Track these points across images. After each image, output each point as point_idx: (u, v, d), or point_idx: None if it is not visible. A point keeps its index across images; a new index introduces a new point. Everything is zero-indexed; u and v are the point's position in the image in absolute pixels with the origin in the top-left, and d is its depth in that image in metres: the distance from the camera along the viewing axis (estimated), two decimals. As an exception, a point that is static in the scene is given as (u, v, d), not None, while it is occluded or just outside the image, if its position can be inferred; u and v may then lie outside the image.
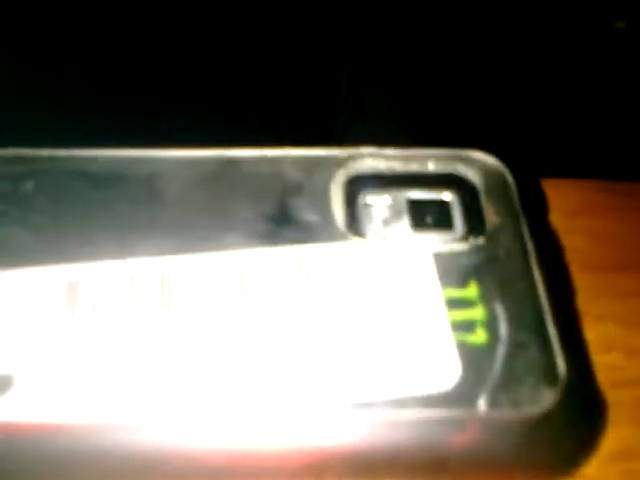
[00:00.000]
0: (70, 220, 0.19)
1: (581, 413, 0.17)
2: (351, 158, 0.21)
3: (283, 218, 0.20)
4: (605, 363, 0.21)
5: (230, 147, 0.21)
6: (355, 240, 0.19)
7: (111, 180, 0.20)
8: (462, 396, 0.17)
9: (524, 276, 0.19)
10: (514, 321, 0.18)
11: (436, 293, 0.18)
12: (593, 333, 0.21)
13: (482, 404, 0.17)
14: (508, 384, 0.17)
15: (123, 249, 0.19)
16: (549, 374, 0.17)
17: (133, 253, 0.19)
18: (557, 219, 0.24)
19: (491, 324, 0.18)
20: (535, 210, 0.20)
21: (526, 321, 0.18)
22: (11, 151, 0.20)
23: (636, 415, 0.20)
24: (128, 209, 0.20)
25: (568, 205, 0.24)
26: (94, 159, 0.20)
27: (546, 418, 0.16)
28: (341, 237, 0.19)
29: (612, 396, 0.20)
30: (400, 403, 0.17)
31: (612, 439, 0.19)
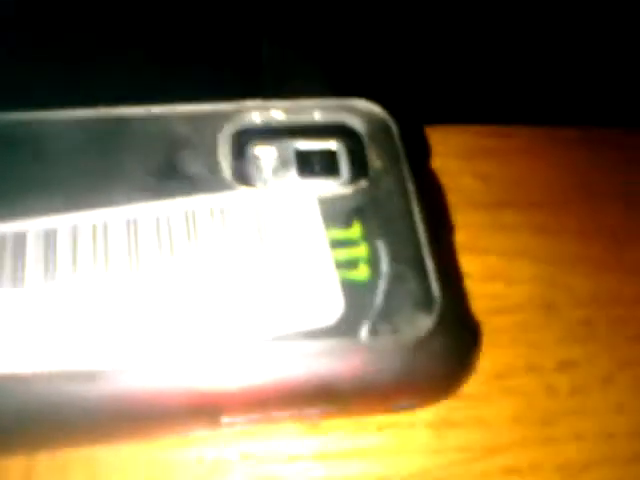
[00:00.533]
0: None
1: (456, 336, 0.18)
2: (238, 111, 0.21)
3: (171, 172, 0.20)
4: (488, 292, 0.22)
5: (117, 106, 0.21)
6: (243, 189, 0.20)
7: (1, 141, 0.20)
8: (346, 328, 0.18)
9: (405, 215, 0.20)
10: (395, 256, 0.19)
11: (320, 234, 0.19)
12: (478, 265, 0.23)
13: (364, 334, 0.18)
14: (388, 314, 0.18)
15: (8, 209, 0.19)
16: (425, 303, 0.18)
17: (18, 213, 0.19)
18: (449, 162, 0.25)
19: (373, 260, 0.19)
20: (417, 154, 0.21)
21: (405, 256, 0.19)
22: None
23: (514, 338, 0.21)
24: (14, 171, 0.20)
25: (460, 149, 0.25)
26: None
27: (423, 342, 0.18)
28: (229, 188, 0.20)
29: (493, 321, 0.21)
30: (288, 338, 0.17)
31: (492, 360, 0.21)
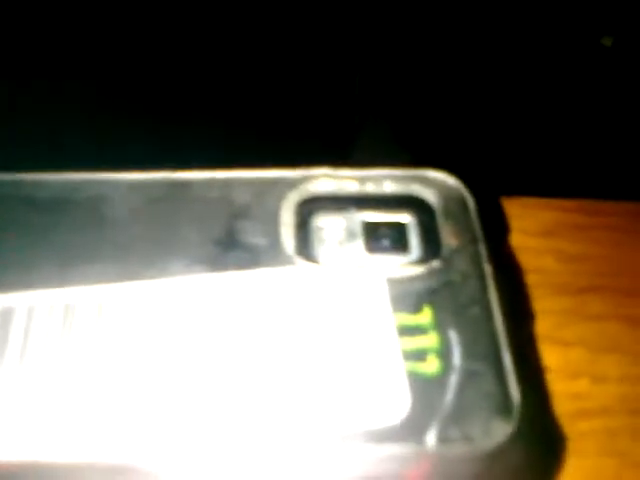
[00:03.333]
0: (10, 247, 0.19)
1: (537, 446, 0.16)
2: (304, 179, 0.20)
3: (230, 243, 0.19)
4: (570, 391, 0.20)
5: (179, 170, 0.20)
6: (304, 264, 0.19)
7: (55, 205, 0.19)
8: (411, 431, 0.16)
9: (480, 301, 0.18)
10: (468, 349, 0.17)
11: (388, 321, 0.17)
12: (559, 359, 0.20)
13: (432, 438, 0.16)
14: (460, 417, 0.16)
15: (63, 277, 0.18)
16: (503, 406, 0.16)
17: (73, 281, 0.18)
18: (526, 239, 0.23)
19: (444, 352, 0.17)
20: (495, 232, 0.20)
21: (480, 349, 0.17)
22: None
23: (602, 446, 0.19)
24: (71, 235, 0.19)
25: (538, 225, 0.24)
26: (38, 183, 0.20)
27: (499, 453, 0.16)
28: (291, 262, 0.19)
29: (577, 426, 0.19)
30: (347, 439, 0.16)
31: (577, 472, 0.18)
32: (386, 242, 0.20)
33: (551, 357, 0.20)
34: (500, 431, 0.16)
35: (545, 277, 0.22)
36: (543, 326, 0.20)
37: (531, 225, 0.23)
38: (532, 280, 0.21)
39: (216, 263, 0.18)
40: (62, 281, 0.18)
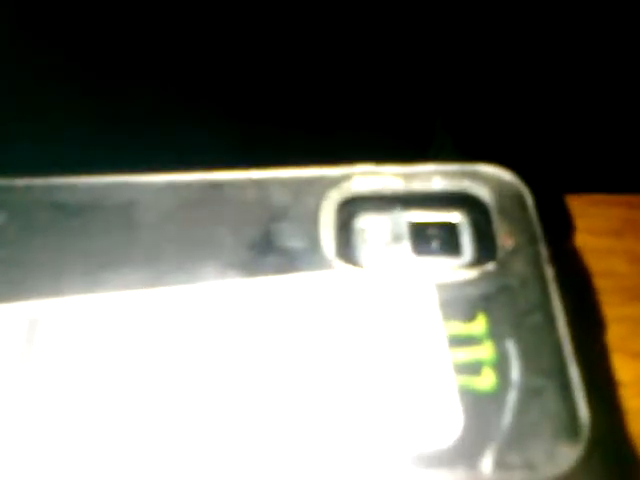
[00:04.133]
0: (42, 253, 0.18)
1: (608, 472, 0.14)
2: (345, 177, 0.19)
3: (267, 246, 0.18)
4: (646, 409, 0.18)
5: (214, 170, 0.19)
6: (346, 268, 0.17)
7: (88, 209, 0.19)
8: (465, 454, 0.14)
9: (541, 307, 0.16)
10: (528, 362, 0.15)
11: (438, 330, 0.16)
12: (633, 373, 0.18)
13: (488, 464, 0.14)
14: (519, 439, 0.14)
15: (96, 282, 0.17)
16: (569, 427, 0.14)
17: (107, 286, 0.17)
18: (593, 240, 0.21)
19: (500, 365, 0.15)
20: (557, 231, 0.18)
21: (542, 362, 0.15)
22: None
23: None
24: (104, 239, 0.18)
25: (606, 224, 0.21)
26: (70, 187, 0.19)
27: (566, 481, 0.14)
28: (331, 265, 0.17)
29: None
30: (395, 463, 0.14)
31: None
32: (435, 244, 0.18)
33: (624, 370, 0.18)
34: (566, 456, 0.14)
35: (615, 281, 0.20)
36: (614, 336, 0.18)
37: (598, 224, 0.21)
38: (601, 284, 0.19)
39: (252, 267, 0.17)
40: (93, 286, 0.17)
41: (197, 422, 0.15)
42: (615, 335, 0.18)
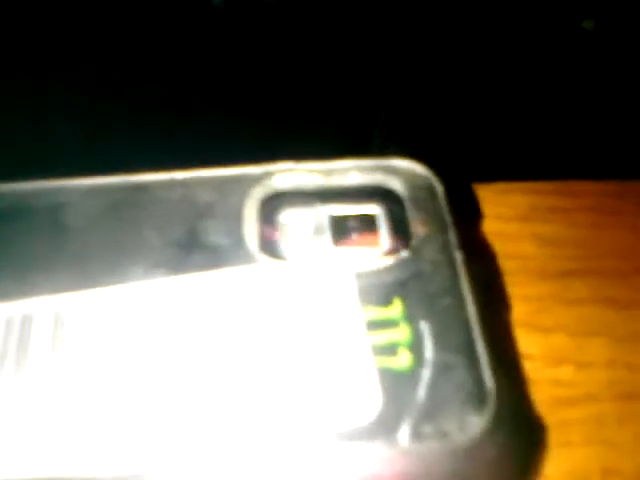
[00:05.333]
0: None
1: (515, 438, 0.15)
2: (267, 175, 0.20)
3: (193, 244, 0.18)
4: (554, 378, 0.19)
5: (138, 172, 0.20)
6: (270, 262, 0.18)
7: (10, 214, 0.19)
8: (384, 428, 0.15)
9: (451, 291, 0.17)
10: (440, 341, 0.16)
11: (357, 316, 0.17)
12: (540, 346, 0.20)
13: (405, 437, 0.15)
14: (433, 412, 0.15)
15: (20, 288, 0.17)
16: (477, 398, 0.15)
17: (30, 292, 0.17)
18: (502, 225, 0.22)
19: (416, 345, 0.16)
20: (466, 219, 0.19)
21: (453, 340, 0.16)
22: None
23: (587, 435, 0.18)
24: (27, 244, 0.18)
25: (513, 210, 0.23)
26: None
27: (476, 448, 0.15)
28: (255, 260, 0.18)
29: (561, 415, 0.18)
30: (318, 439, 0.15)
31: (560, 463, 0.17)
32: (354, 235, 0.19)
33: (532, 344, 0.19)
34: (475, 425, 0.15)
35: (524, 262, 0.21)
36: (523, 312, 0.20)
37: (506, 210, 0.22)
38: (510, 266, 0.20)
39: (179, 266, 0.18)
40: (19, 292, 0.17)
41: (130, 415, 0.15)
42: (522, 312, 0.19)
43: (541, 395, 0.18)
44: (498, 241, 0.20)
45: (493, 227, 0.21)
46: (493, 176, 0.23)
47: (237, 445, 0.15)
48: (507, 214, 0.22)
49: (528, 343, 0.19)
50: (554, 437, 0.17)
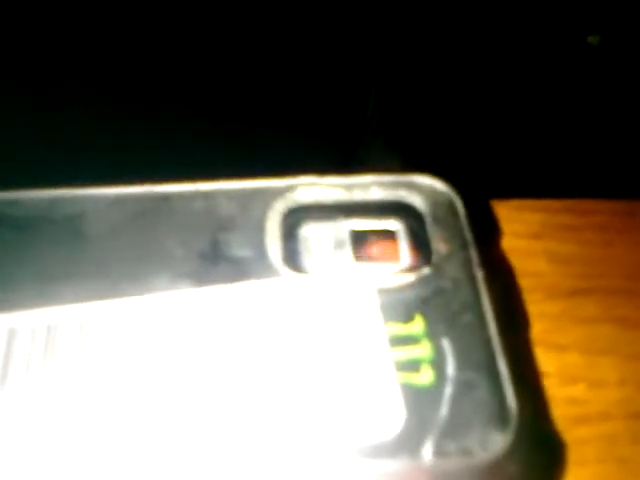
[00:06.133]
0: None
1: (536, 456, 0.16)
2: (289, 188, 0.20)
3: (215, 256, 0.18)
4: (568, 397, 0.19)
5: (161, 182, 0.20)
6: (292, 275, 0.18)
7: (33, 223, 0.19)
8: (406, 445, 0.15)
9: (472, 307, 0.17)
10: (462, 358, 0.17)
11: (379, 331, 0.17)
12: (555, 364, 0.20)
13: (428, 453, 0.15)
14: (455, 430, 0.15)
15: (44, 297, 0.17)
16: (500, 416, 0.16)
17: (54, 300, 0.17)
18: (517, 242, 0.23)
19: (438, 362, 0.17)
20: (486, 235, 0.19)
21: (474, 357, 0.17)
22: None
23: (603, 451, 0.18)
24: (51, 254, 0.18)
25: (530, 227, 0.23)
26: (14, 202, 0.19)
27: (497, 464, 0.15)
28: (278, 273, 0.18)
29: (576, 432, 0.19)
30: (340, 455, 0.15)
31: (578, 479, 0.18)
32: (375, 250, 0.19)
33: (547, 362, 0.19)
34: (498, 442, 0.15)
35: (537, 280, 0.21)
36: (537, 330, 0.20)
37: (519, 227, 0.23)
38: (525, 283, 0.21)
39: (201, 277, 0.18)
40: (43, 301, 0.17)
41: (154, 426, 0.15)
42: (538, 330, 0.20)
43: (557, 413, 0.18)
44: (512, 258, 0.21)
45: (508, 244, 0.21)
46: (504, 193, 0.23)
47: (259, 460, 0.15)
48: (520, 231, 0.23)
49: (544, 361, 0.19)
50: (570, 455, 0.17)
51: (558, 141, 0.29)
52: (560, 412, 0.18)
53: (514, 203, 0.24)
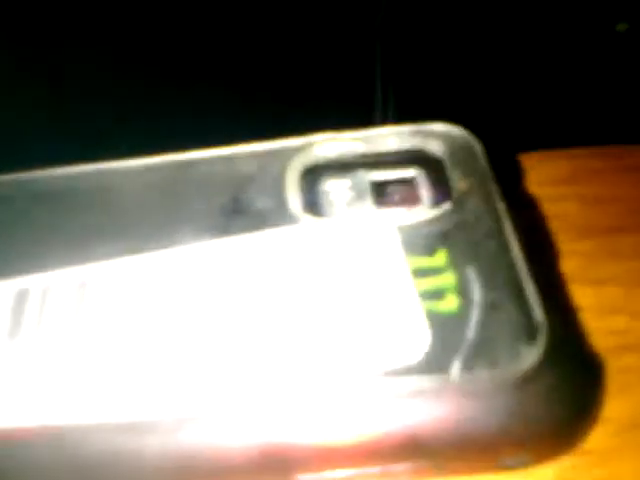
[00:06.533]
0: (27, 235, 0.19)
1: (571, 371, 0.15)
2: (307, 146, 0.20)
3: (240, 212, 0.19)
4: (609, 327, 0.19)
5: (183, 151, 0.20)
6: (314, 221, 0.18)
7: (63, 195, 0.20)
8: (434, 365, 0.15)
9: (495, 235, 0.17)
10: (487, 283, 0.16)
11: (400, 263, 0.17)
12: (594, 298, 0.19)
13: (456, 370, 0.15)
14: (484, 347, 0.15)
15: (77, 257, 0.18)
16: (528, 331, 0.15)
17: (87, 259, 0.18)
18: (545, 189, 0.22)
19: (463, 289, 0.16)
20: (506, 173, 0.19)
21: (501, 282, 0.16)
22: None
23: (647, 379, 0.17)
24: (83, 221, 0.19)
25: (557, 174, 0.23)
26: (43, 179, 0.20)
27: (529, 378, 0.15)
28: (300, 221, 0.18)
29: (620, 361, 0.18)
30: (365, 380, 0.15)
31: (622, 407, 0.17)
32: (395, 197, 0.19)
33: (584, 296, 0.19)
34: (528, 356, 0.15)
35: (568, 221, 0.21)
36: (571, 267, 0.19)
37: (548, 175, 0.22)
38: (554, 225, 0.20)
39: (226, 231, 0.18)
40: (75, 262, 0.18)
41: (184, 366, 0.16)
42: (571, 267, 0.19)
43: (597, 343, 0.17)
44: (542, 203, 0.20)
45: (536, 191, 0.21)
46: (532, 146, 0.23)
47: (296, 388, 0.15)
48: (548, 179, 0.22)
49: (580, 295, 0.19)
50: (613, 382, 0.17)
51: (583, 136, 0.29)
52: (601, 343, 0.18)
53: (540, 155, 0.23)
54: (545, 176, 0.22)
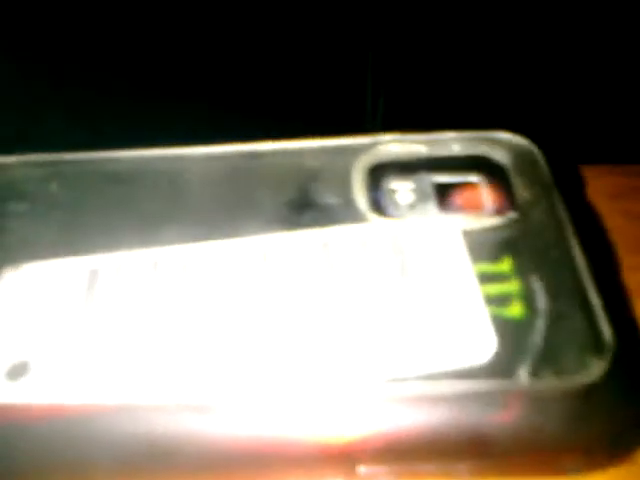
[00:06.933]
0: (95, 216, 0.19)
1: (632, 386, 0.16)
2: (373, 145, 0.20)
3: (305, 205, 0.19)
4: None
5: (254, 141, 0.21)
6: (381, 220, 0.19)
7: (134, 177, 0.20)
8: (501, 368, 0.15)
9: (560, 245, 0.18)
10: (553, 292, 0.17)
11: (467, 268, 0.17)
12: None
13: (523, 375, 0.15)
14: (551, 355, 0.16)
15: (147, 240, 0.18)
16: (595, 343, 0.16)
17: (157, 243, 0.18)
18: (597, 203, 0.23)
19: (528, 296, 0.17)
20: (569, 185, 0.19)
21: (566, 291, 0.17)
22: (36, 156, 0.21)
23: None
24: (153, 204, 0.20)
25: (607, 189, 0.23)
26: (114, 159, 0.20)
27: (596, 389, 0.15)
28: (367, 219, 0.19)
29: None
30: (433, 378, 0.15)
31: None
32: (459, 200, 0.20)
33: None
34: (595, 367, 0.15)
35: (618, 236, 0.21)
36: (634, 281, 0.20)
37: (594, 190, 0.23)
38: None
39: (295, 223, 0.19)
40: (147, 244, 0.18)
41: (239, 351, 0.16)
42: (632, 280, 0.20)
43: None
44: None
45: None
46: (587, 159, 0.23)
47: (350, 382, 0.16)
48: (596, 193, 0.23)
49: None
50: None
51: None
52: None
53: (588, 169, 0.24)
54: (597, 190, 0.23)
